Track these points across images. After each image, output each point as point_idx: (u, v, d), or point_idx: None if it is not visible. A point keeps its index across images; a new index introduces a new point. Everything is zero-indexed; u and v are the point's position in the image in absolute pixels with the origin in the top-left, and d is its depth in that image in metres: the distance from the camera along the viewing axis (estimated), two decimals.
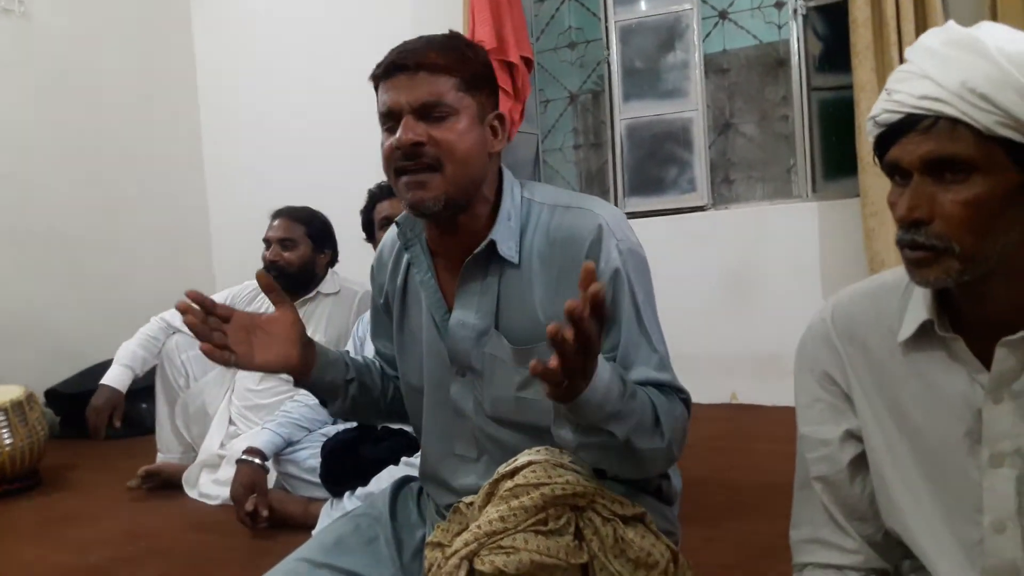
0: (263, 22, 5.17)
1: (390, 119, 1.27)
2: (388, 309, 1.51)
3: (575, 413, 1.08)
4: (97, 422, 2.84)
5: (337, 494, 2.37)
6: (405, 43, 1.29)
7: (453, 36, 1.32)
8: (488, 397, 1.33)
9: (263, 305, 3.07)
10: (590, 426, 1.10)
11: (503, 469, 1.19)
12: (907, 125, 0.88)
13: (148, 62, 5.25)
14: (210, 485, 2.88)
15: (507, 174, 1.37)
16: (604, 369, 1.08)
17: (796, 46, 4.06)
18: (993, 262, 0.89)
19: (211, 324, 1.27)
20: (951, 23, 0.92)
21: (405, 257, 1.44)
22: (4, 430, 3.15)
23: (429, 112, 1.24)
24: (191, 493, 2.94)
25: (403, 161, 1.25)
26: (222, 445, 2.96)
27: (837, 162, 3.98)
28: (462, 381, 1.36)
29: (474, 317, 1.32)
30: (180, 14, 5.48)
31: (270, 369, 1.37)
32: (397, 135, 1.24)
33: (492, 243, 1.29)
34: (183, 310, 1.24)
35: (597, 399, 1.07)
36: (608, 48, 4.49)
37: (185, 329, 3.06)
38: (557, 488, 1.12)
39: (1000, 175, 0.85)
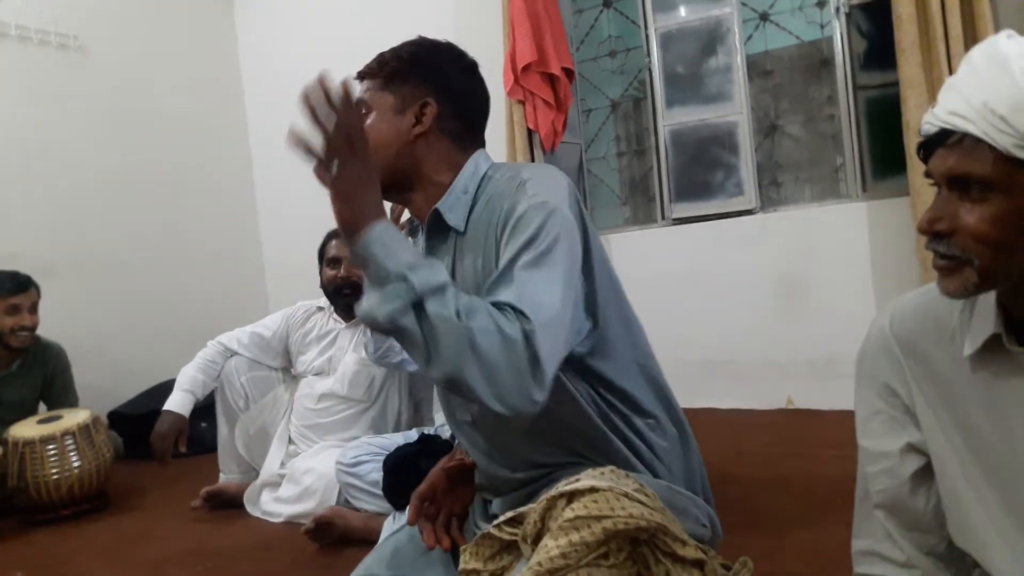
0: (309, 47, 5.26)
1: None
2: None
3: (368, 248, 1.15)
4: (162, 447, 2.89)
5: (400, 507, 2.38)
6: None
7: (397, 46, 1.46)
8: None
9: (315, 325, 3.12)
10: (387, 275, 1.12)
11: (563, 488, 1.15)
12: (941, 138, 0.89)
13: (199, 91, 5.41)
14: (272, 503, 2.93)
15: (480, 157, 1.44)
16: (394, 231, 1.17)
17: (840, 44, 4.02)
18: (1016, 276, 0.88)
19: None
20: (1007, 32, 0.91)
21: None
22: (72, 453, 3.25)
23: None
24: (253, 511, 2.99)
25: None
26: (282, 464, 3.00)
27: (886, 160, 3.92)
28: None
29: None
30: (228, 44, 5.65)
31: None
32: None
33: (438, 213, 1.39)
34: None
35: (386, 237, 1.15)
36: (649, 55, 4.48)
37: (243, 352, 3.15)
38: (620, 522, 1.09)
39: (1021, 195, 0.84)
